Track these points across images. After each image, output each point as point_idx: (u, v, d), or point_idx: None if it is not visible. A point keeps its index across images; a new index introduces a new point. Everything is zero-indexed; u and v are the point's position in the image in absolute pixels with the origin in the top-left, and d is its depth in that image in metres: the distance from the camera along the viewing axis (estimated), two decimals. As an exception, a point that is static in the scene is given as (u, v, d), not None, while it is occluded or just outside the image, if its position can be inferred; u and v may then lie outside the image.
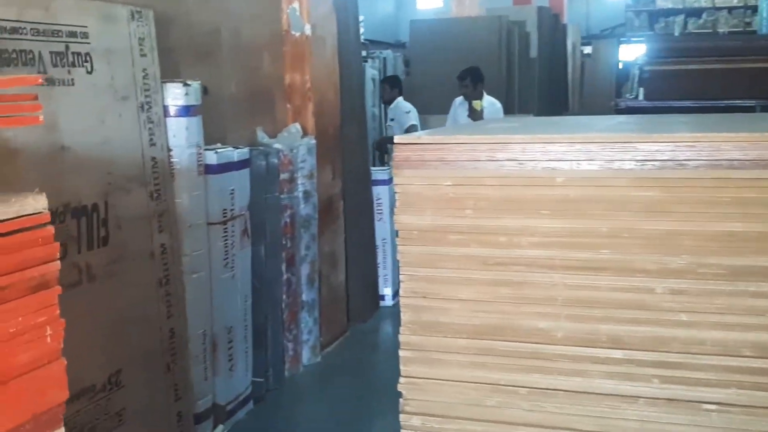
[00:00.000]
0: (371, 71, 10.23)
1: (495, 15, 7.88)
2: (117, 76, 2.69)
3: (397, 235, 1.83)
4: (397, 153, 1.80)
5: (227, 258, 3.23)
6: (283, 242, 3.79)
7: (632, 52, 13.83)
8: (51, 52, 2.41)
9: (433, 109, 7.06)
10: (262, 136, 3.82)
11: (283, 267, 3.81)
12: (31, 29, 2.34)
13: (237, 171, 3.27)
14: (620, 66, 13.15)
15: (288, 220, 3.82)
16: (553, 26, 10.10)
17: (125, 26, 2.74)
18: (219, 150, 3.14)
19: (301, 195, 3.93)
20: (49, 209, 2.37)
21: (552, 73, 9.98)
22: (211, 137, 3.36)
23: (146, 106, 2.82)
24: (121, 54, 2.71)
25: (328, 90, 4.28)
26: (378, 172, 5.05)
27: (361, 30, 11.76)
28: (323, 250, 4.22)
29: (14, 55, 2.27)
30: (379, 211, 5.04)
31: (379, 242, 5.05)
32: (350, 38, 4.54)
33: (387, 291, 5.12)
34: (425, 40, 7.58)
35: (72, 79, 2.50)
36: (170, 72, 3.11)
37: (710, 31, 13.62)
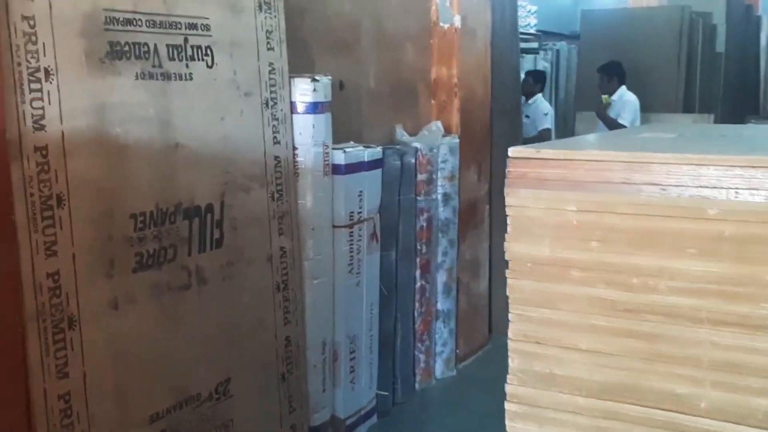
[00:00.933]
0: (543, 63, 9.80)
1: (677, 5, 7.23)
2: (240, 70, 2.55)
3: (507, 267, 1.54)
4: (512, 168, 1.51)
5: (352, 263, 3.05)
6: (418, 247, 3.57)
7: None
8: (168, 45, 2.31)
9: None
10: (401, 133, 3.61)
11: (417, 274, 3.58)
12: (147, 21, 2.24)
13: (367, 171, 3.07)
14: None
15: (424, 223, 3.59)
16: (744, 18, 9.18)
17: (251, 17, 2.60)
18: (348, 149, 2.96)
19: (439, 197, 3.68)
20: (159, 209, 2.28)
21: (741, 70, 9.08)
22: (346, 134, 3.19)
23: (271, 102, 2.68)
24: (245, 47, 2.58)
25: (477, 85, 4.00)
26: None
27: (534, 21, 11.31)
28: (464, 257, 3.95)
29: (126, 48, 2.18)
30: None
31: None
32: (506, 29, 4.23)
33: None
34: (597, 31, 7.07)
35: (190, 74, 2.38)
36: (303, 66, 2.96)
37: None
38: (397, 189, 3.36)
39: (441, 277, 3.76)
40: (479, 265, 4.14)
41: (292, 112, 2.76)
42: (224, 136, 2.51)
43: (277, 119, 2.70)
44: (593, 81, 6.16)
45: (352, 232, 3.02)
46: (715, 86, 7.86)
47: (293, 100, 2.76)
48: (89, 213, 2.09)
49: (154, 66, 2.27)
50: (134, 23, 2.20)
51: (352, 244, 3.03)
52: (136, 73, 2.22)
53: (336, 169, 2.92)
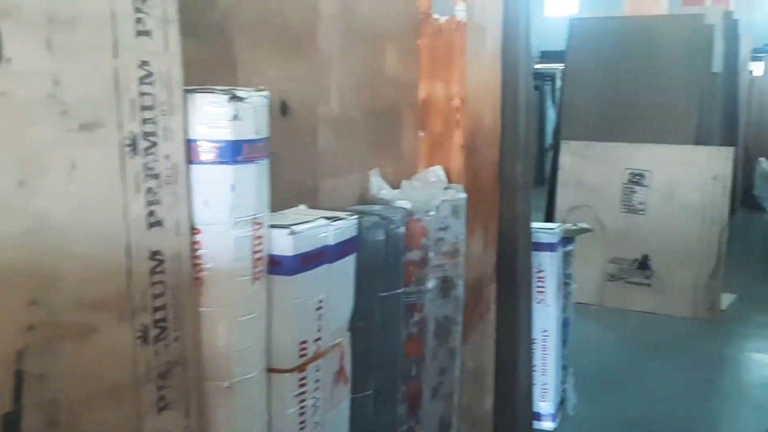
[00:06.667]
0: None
1: (691, 14, 6.09)
2: (70, 76, 1.17)
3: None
4: None
5: (305, 428, 1.67)
6: (407, 370, 2.22)
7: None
8: None
9: (589, 135, 5.45)
10: (378, 184, 2.27)
11: (404, 412, 2.23)
12: None
13: (333, 262, 1.72)
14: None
15: (414, 330, 2.24)
16: (732, 34, 8.16)
17: (101, -34, 1.23)
18: (298, 225, 1.59)
19: (437, 286, 2.34)
20: None
21: (727, 95, 8.06)
22: (291, 191, 1.84)
23: (143, 143, 1.30)
24: (84, 27, 1.20)
25: (485, 110, 2.69)
26: (541, 233, 3.41)
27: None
28: (466, 366, 2.62)
29: None
30: (541, 290, 3.41)
31: (537, 335, 3.42)
32: (519, 32, 2.93)
33: (545, 406, 3.48)
34: (587, 45, 5.85)
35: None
36: (216, 73, 1.60)
37: None
38: (376, 281, 2.01)
39: (437, 408, 2.41)
40: (484, 375, 2.81)
41: (189, 162, 1.40)
42: (29, 220, 1.12)
43: (155, 176, 1.32)
44: (586, 107, 4.99)
45: (304, 377, 1.64)
46: (711, 115, 6.77)
47: (192, 137, 1.40)
48: None
49: None
50: None
51: (304, 399, 1.66)
52: None
53: (277, 266, 1.56)
